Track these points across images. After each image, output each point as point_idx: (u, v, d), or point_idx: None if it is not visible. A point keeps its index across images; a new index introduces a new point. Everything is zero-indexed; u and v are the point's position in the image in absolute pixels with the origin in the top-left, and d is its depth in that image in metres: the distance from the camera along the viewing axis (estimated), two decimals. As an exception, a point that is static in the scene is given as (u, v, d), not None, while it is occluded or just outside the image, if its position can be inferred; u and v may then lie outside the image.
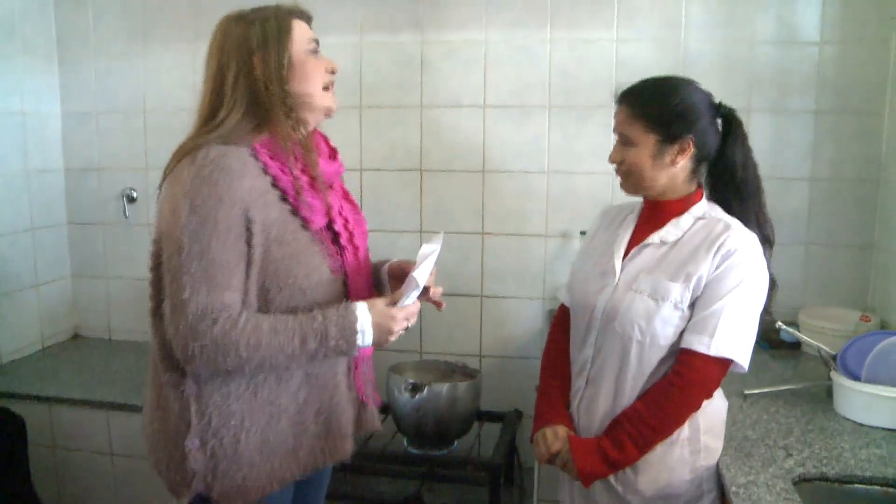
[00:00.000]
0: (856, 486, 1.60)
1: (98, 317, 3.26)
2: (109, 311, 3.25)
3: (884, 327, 2.41)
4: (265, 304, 1.46)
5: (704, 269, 1.55)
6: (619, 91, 1.67)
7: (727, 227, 1.59)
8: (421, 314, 2.87)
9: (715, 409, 1.66)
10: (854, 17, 2.56)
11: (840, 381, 1.94)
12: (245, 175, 1.41)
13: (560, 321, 1.88)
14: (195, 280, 1.36)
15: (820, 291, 2.69)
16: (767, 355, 2.49)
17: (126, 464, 2.62)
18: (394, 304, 1.54)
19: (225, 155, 1.40)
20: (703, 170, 1.68)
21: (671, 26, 2.66)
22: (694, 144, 1.59)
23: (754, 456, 1.68)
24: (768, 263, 1.61)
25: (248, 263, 1.42)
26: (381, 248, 1.84)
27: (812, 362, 2.40)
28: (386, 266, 1.78)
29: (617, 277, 1.66)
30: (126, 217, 3.12)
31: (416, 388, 2.43)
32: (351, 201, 1.71)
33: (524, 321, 2.91)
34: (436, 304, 1.74)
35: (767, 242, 1.63)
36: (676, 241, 1.63)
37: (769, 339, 2.54)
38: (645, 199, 1.72)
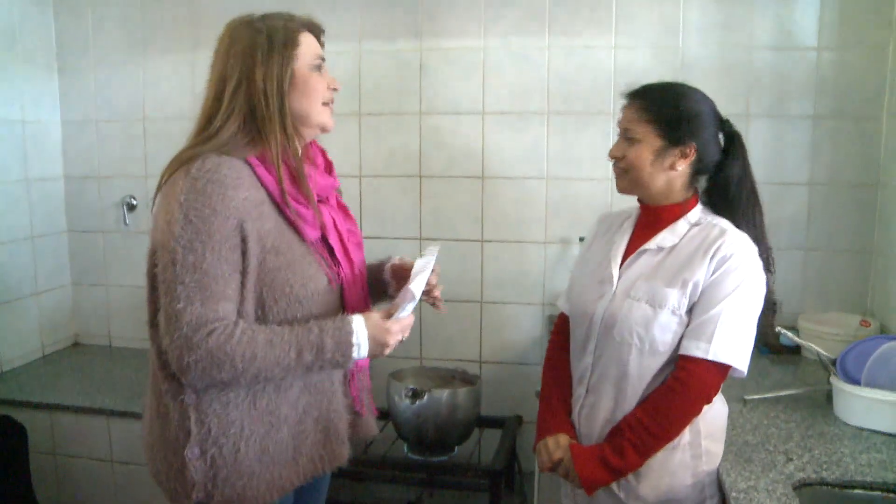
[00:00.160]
0: (856, 490, 1.60)
1: (98, 324, 3.27)
2: (109, 319, 3.25)
3: (883, 332, 2.41)
4: (262, 315, 1.46)
5: (701, 275, 1.56)
6: (629, 89, 1.68)
7: (722, 231, 1.59)
8: (421, 321, 2.92)
9: (715, 413, 1.66)
10: (852, 23, 2.57)
11: (840, 385, 1.94)
12: (240, 186, 1.41)
13: (560, 329, 1.88)
14: (190, 291, 1.35)
15: (819, 296, 2.69)
16: (767, 360, 2.49)
17: (126, 471, 2.62)
18: (389, 316, 1.54)
19: (220, 166, 1.40)
20: (701, 181, 1.69)
21: (669, 32, 2.67)
22: (696, 152, 1.60)
23: (755, 461, 1.68)
24: (769, 286, 1.61)
25: (244, 274, 1.41)
26: (380, 255, 1.84)
27: (812, 367, 2.40)
28: (388, 266, 1.78)
29: (615, 285, 1.66)
30: (126, 225, 3.13)
31: (416, 395, 2.43)
32: (346, 212, 1.71)
33: (524, 327, 2.92)
34: (436, 305, 1.73)
35: (765, 263, 1.62)
36: (673, 248, 1.63)
37: (769, 344, 2.54)
38: (641, 205, 1.73)
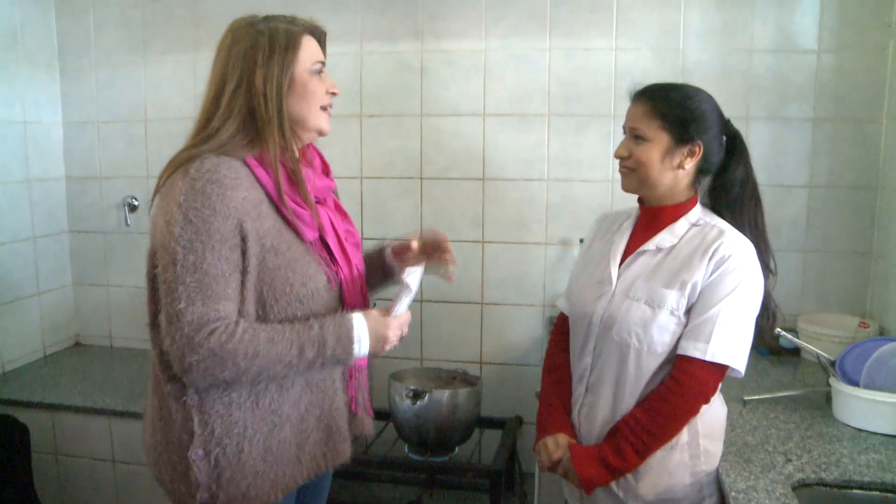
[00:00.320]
0: (854, 491, 1.61)
1: (99, 325, 3.27)
2: (110, 319, 3.26)
3: (882, 333, 2.42)
4: (263, 315, 1.46)
5: (699, 276, 1.57)
6: (636, 88, 1.68)
7: (721, 232, 1.60)
8: (421, 322, 2.93)
9: (714, 413, 1.66)
10: (851, 26, 2.58)
11: (839, 386, 1.95)
12: (238, 186, 1.41)
13: (560, 329, 1.89)
14: (190, 291, 1.36)
15: (818, 298, 2.70)
16: (767, 361, 2.50)
17: (128, 470, 2.62)
18: (388, 314, 1.56)
19: (218, 166, 1.40)
20: (703, 182, 1.70)
21: (670, 35, 2.68)
22: (702, 151, 1.61)
23: (754, 461, 1.69)
24: (769, 292, 1.62)
25: (244, 273, 1.42)
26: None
27: (811, 368, 2.41)
28: (388, 251, 1.80)
29: (614, 285, 1.67)
30: (127, 225, 3.13)
31: (417, 395, 2.44)
32: (343, 214, 1.72)
33: (524, 328, 2.92)
34: (446, 269, 1.78)
35: (767, 268, 1.63)
36: (672, 248, 1.64)
37: (768, 346, 2.55)
38: (641, 205, 1.74)
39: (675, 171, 1.63)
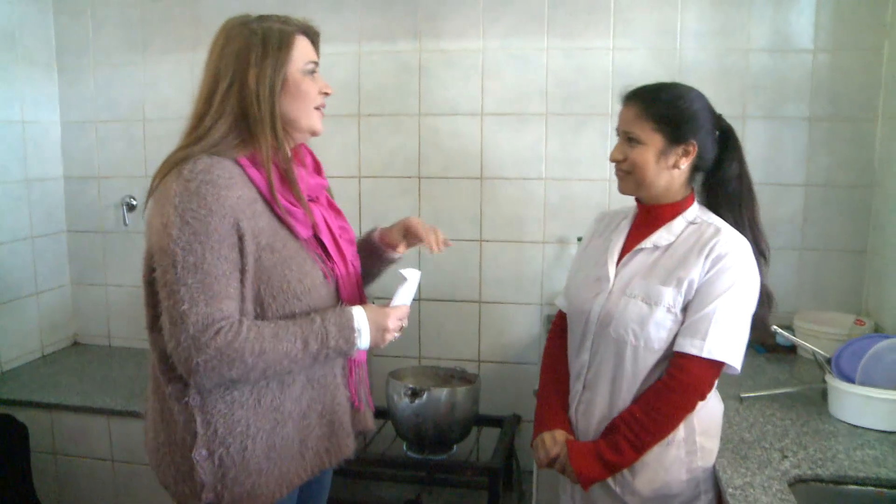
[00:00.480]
0: (850, 486, 1.62)
1: (98, 324, 3.28)
2: (109, 319, 3.26)
3: (877, 331, 2.43)
4: (261, 313, 1.47)
5: (696, 273, 1.58)
6: (627, 91, 1.69)
7: (717, 230, 1.61)
8: (420, 321, 2.93)
9: (710, 410, 1.68)
10: (847, 25, 2.59)
11: (835, 383, 1.96)
12: (232, 186, 1.42)
13: (558, 327, 1.90)
14: (193, 292, 1.36)
15: (815, 296, 2.71)
16: (763, 359, 2.51)
17: (127, 470, 2.63)
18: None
19: (211, 167, 1.40)
20: (698, 178, 1.71)
21: (667, 35, 2.69)
22: (696, 149, 1.62)
23: (750, 458, 1.70)
24: (763, 277, 1.64)
25: (243, 272, 1.42)
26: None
27: (807, 365, 2.42)
28: (376, 233, 1.82)
29: (611, 283, 1.68)
30: (126, 225, 3.14)
31: (415, 394, 2.45)
32: (337, 211, 1.72)
33: (522, 327, 2.93)
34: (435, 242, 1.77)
35: (762, 257, 1.65)
36: (669, 246, 1.65)
37: (765, 343, 2.56)
38: (638, 204, 1.75)
39: (671, 171, 1.64)
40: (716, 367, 1.57)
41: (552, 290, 2.86)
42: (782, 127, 2.67)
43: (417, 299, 2.91)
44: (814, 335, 2.37)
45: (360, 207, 2.96)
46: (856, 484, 1.62)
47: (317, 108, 1.58)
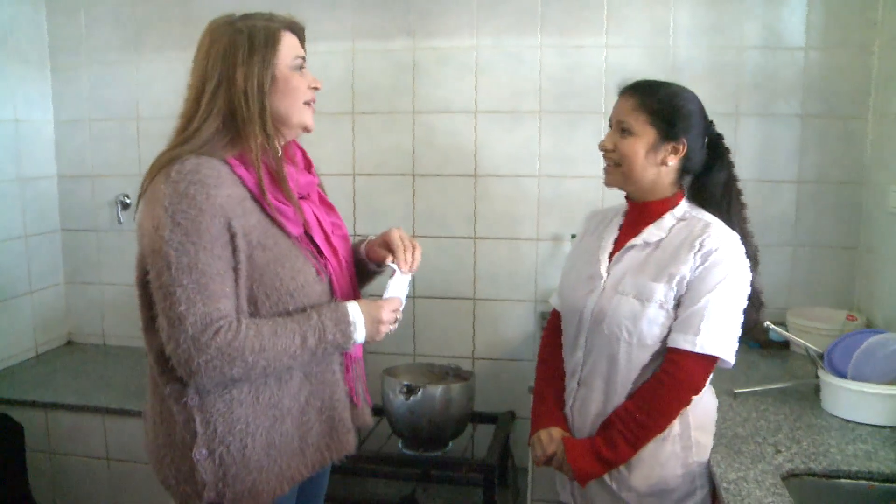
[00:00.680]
0: (842, 480, 1.64)
1: (92, 323, 3.27)
2: (103, 317, 3.26)
3: (869, 326, 2.45)
4: (255, 311, 1.47)
5: (686, 269, 1.59)
6: (625, 83, 1.71)
7: (707, 225, 1.63)
8: (414, 318, 2.93)
9: (705, 405, 1.69)
10: (838, 23, 2.61)
11: (827, 378, 1.97)
12: (221, 185, 1.41)
13: (552, 325, 1.91)
14: (189, 293, 1.36)
15: (807, 292, 2.73)
16: (756, 354, 2.52)
17: (122, 468, 2.63)
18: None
19: (199, 166, 1.40)
20: (687, 181, 1.72)
21: (660, 33, 2.70)
22: (686, 149, 1.63)
23: (744, 452, 1.72)
24: (754, 281, 1.65)
25: (236, 271, 1.42)
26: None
27: (800, 361, 2.44)
28: (363, 248, 1.77)
29: (603, 280, 1.69)
30: (120, 223, 3.14)
31: (410, 391, 2.45)
32: (329, 206, 1.72)
33: (516, 324, 2.94)
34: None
35: (752, 259, 1.66)
36: (659, 242, 1.66)
37: (758, 339, 2.58)
38: (629, 201, 1.76)
39: (659, 168, 1.65)
40: (709, 361, 1.58)
41: (546, 287, 2.87)
42: (774, 124, 2.68)
43: (412, 297, 2.92)
44: (806, 331, 2.38)
45: (354, 205, 2.96)
46: (848, 478, 1.64)
47: (307, 104, 1.57)
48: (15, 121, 2.96)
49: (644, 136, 1.63)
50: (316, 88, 1.59)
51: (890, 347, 1.95)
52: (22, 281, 3.03)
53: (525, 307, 2.92)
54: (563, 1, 2.74)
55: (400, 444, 2.60)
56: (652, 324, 1.60)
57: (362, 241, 1.79)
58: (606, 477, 1.67)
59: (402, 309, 1.64)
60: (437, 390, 2.47)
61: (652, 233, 1.68)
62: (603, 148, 1.69)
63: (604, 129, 2.68)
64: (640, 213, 1.72)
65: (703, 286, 1.57)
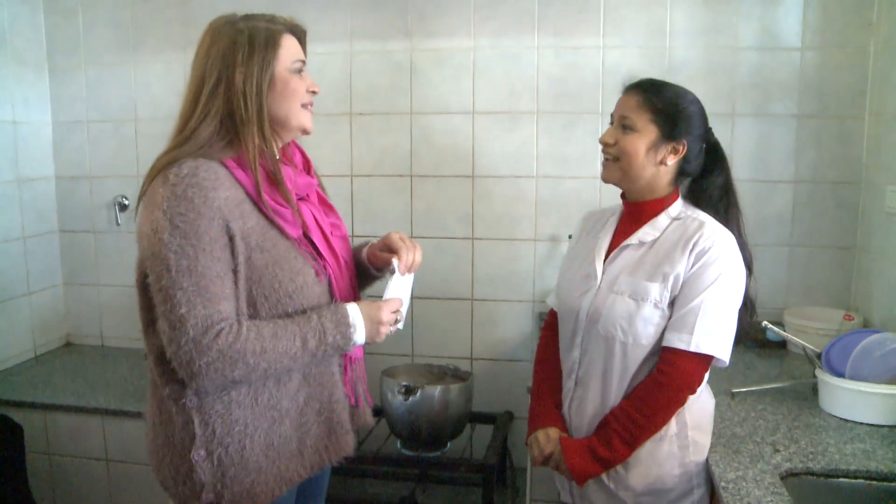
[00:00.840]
0: (840, 479, 1.65)
1: (90, 324, 3.27)
2: (101, 319, 3.25)
3: (866, 326, 2.46)
4: (254, 313, 1.47)
5: (681, 268, 1.60)
6: (630, 81, 1.71)
7: (701, 224, 1.63)
8: (413, 319, 2.93)
9: (702, 405, 1.70)
10: (834, 24, 2.61)
11: (825, 378, 1.98)
12: (219, 187, 1.41)
13: (550, 325, 1.92)
14: (189, 295, 1.36)
15: (804, 291, 2.74)
16: (754, 354, 2.53)
17: (121, 469, 2.63)
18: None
19: (196, 169, 1.40)
20: (683, 184, 1.73)
21: (657, 33, 2.70)
22: (685, 150, 1.64)
23: (743, 452, 1.72)
24: (748, 287, 1.66)
25: (235, 272, 1.42)
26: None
27: (797, 361, 2.45)
28: (364, 253, 1.77)
29: (599, 280, 1.70)
30: (118, 224, 3.14)
31: (409, 391, 2.46)
32: (329, 207, 1.72)
33: (514, 324, 2.95)
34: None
35: (746, 265, 1.66)
36: (654, 242, 1.67)
37: (755, 339, 2.58)
38: (624, 201, 1.77)
39: (657, 167, 1.66)
40: (704, 360, 1.59)
41: (544, 288, 2.88)
42: (771, 124, 2.69)
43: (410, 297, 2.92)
44: (803, 331, 2.39)
45: (352, 206, 2.96)
46: (846, 477, 1.65)
47: (304, 107, 1.57)
48: (13, 122, 2.96)
49: (646, 133, 1.63)
50: (314, 93, 1.59)
51: (887, 347, 1.95)
52: (20, 282, 3.02)
53: (523, 307, 2.93)
54: (560, 2, 2.74)
55: (399, 445, 2.61)
56: (647, 323, 1.61)
57: (364, 245, 1.80)
58: (604, 476, 1.68)
59: (403, 310, 1.64)
60: (436, 391, 2.48)
61: (647, 232, 1.68)
62: (603, 142, 1.70)
63: (601, 129, 2.72)
64: (636, 212, 1.73)
65: (697, 285, 1.58)
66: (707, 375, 1.66)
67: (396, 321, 1.62)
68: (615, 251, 1.71)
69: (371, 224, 2.95)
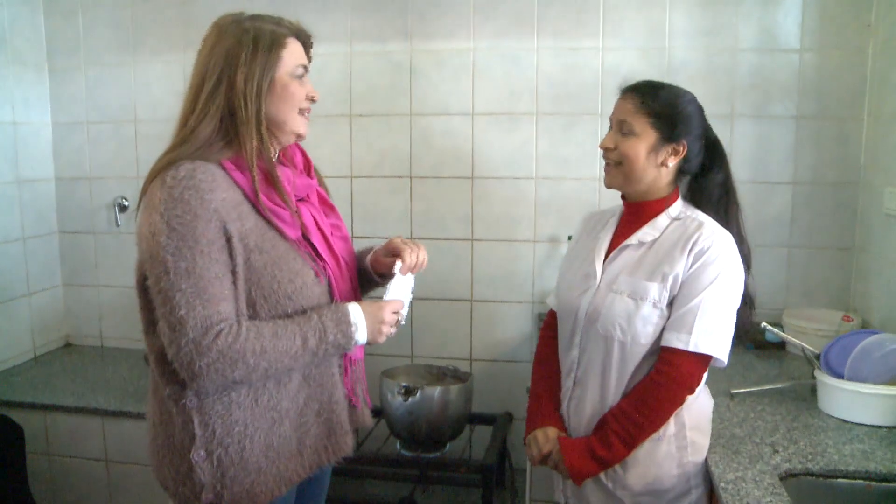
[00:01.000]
0: (839, 480, 1.65)
1: (90, 325, 3.27)
2: (101, 319, 3.26)
3: (865, 327, 2.46)
4: (254, 315, 1.47)
5: (680, 268, 1.60)
6: (627, 84, 1.71)
7: (700, 224, 1.64)
8: (412, 320, 2.94)
9: (700, 405, 1.70)
10: (832, 26, 2.62)
11: (824, 379, 1.98)
12: (215, 189, 1.41)
13: (549, 326, 1.92)
14: (188, 297, 1.36)
15: (803, 292, 2.74)
16: (753, 355, 2.53)
17: (121, 470, 2.63)
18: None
19: (193, 171, 1.40)
20: (683, 182, 1.74)
21: (656, 35, 2.71)
22: (685, 151, 1.64)
23: (742, 453, 1.73)
24: (747, 282, 1.66)
25: (234, 274, 1.43)
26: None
27: (796, 362, 2.45)
28: (368, 260, 1.77)
29: (598, 279, 1.70)
30: (117, 226, 3.14)
31: (408, 392, 2.46)
32: (329, 207, 1.72)
33: (513, 325, 2.95)
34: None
35: (745, 261, 1.67)
36: (654, 242, 1.67)
37: (754, 340, 2.59)
38: (625, 202, 1.77)
39: (659, 169, 1.66)
40: (703, 360, 1.59)
41: (543, 289, 2.88)
42: (770, 126, 2.70)
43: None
44: (802, 331, 2.40)
45: (351, 207, 2.97)
46: (845, 477, 1.65)
47: (301, 112, 1.57)
48: (13, 123, 2.96)
49: (645, 136, 1.64)
50: (313, 100, 1.59)
51: (886, 348, 1.96)
52: (20, 283, 3.03)
53: (522, 308, 2.93)
54: (559, 3, 2.75)
55: (398, 446, 2.61)
56: (646, 323, 1.61)
57: (367, 250, 1.80)
58: (602, 476, 1.68)
59: (404, 312, 1.64)
60: (435, 392, 2.48)
61: (647, 232, 1.69)
62: (604, 148, 1.70)
63: (600, 130, 2.73)
64: (636, 213, 1.73)
65: (696, 285, 1.58)
66: (706, 376, 1.66)
67: (398, 321, 1.62)
68: (615, 251, 1.72)
69: (371, 225, 2.95)
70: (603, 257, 1.73)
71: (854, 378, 1.94)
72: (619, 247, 1.71)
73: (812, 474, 1.66)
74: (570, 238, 2.72)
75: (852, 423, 1.91)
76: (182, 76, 2.98)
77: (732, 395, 2.12)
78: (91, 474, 2.66)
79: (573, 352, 1.74)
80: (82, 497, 2.68)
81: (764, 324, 2.14)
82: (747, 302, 1.68)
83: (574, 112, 2.79)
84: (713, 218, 1.68)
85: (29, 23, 3.05)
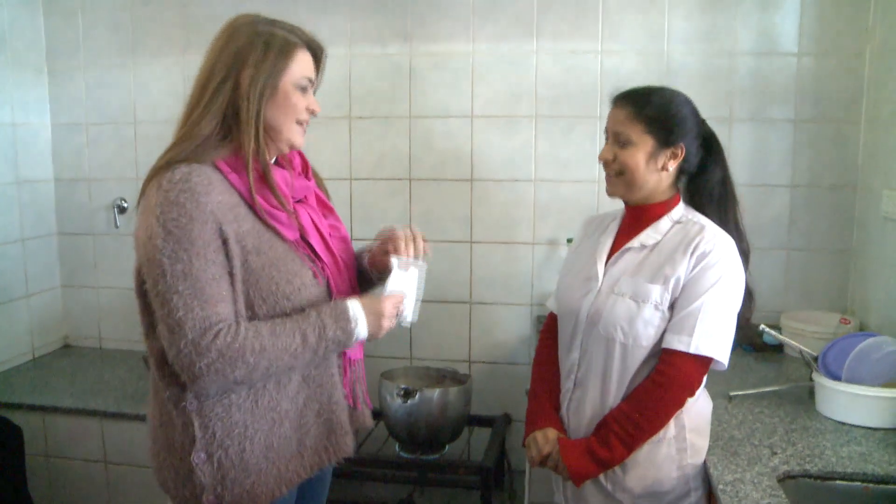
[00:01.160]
0: (837, 482, 1.65)
1: (88, 326, 3.27)
2: (100, 321, 3.26)
3: (863, 329, 2.47)
4: (252, 316, 1.47)
5: (682, 271, 1.60)
6: (617, 93, 1.71)
7: (702, 228, 1.64)
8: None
9: (700, 408, 1.70)
10: (830, 30, 2.63)
11: (821, 381, 1.99)
12: (211, 191, 1.41)
13: (549, 328, 1.92)
14: (186, 298, 1.36)
15: (801, 295, 2.75)
16: (751, 358, 2.54)
17: (119, 471, 2.63)
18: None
19: (189, 174, 1.40)
20: (683, 180, 1.74)
21: (655, 38, 2.72)
22: (684, 152, 1.65)
23: (740, 455, 1.73)
24: (746, 279, 1.66)
25: (231, 275, 1.43)
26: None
27: (794, 364, 2.45)
28: (366, 260, 1.77)
29: (600, 282, 1.71)
30: (117, 227, 3.14)
31: (407, 394, 2.46)
32: (327, 208, 1.72)
33: (512, 327, 2.95)
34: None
35: (744, 256, 1.67)
36: (656, 245, 1.68)
37: (752, 342, 2.59)
38: (626, 205, 1.77)
39: (659, 174, 1.66)
40: (703, 362, 1.60)
41: (542, 291, 2.88)
42: (768, 129, 2.70)
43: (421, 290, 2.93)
44: (800, 334, 2.40)
45: (351, 209, 2.97)
46: (843, 479, 1.65)
47: (299, 123, 1.57)
48: (12, 124, 2.97)
49: (642, 145, 1.64)
50: (313, 113, 1.59)
51: (883, 350, 1.96)
52: (18, 284, 3.03)
53: (521, 311, 2.94)
54: (558, 7, 2.76)
55: (397, 448, 2.61)
56: (647, 325, 1.62)
57: (363, 251, 1.80)
58: (602, 477, 1.68)
59: (412, 304, 1.63)
60: (434, 394, 2.48)
61: (649, 235, 1.69)
62: (603, 160, 1.70)
63: (599, 133, 2.73)
64: (638, 216, 1.73)
65: (697, 288, 1.59)
66: (705, 379, 1.67)
67: (399, 314, 1.61)
68: (617, 254, 1.72)
69: (370, 227, 2.93)
70: (605, 260, 1.74)
71: (852, 380, 1.94)
72: (620, 250, 1.72)
73: (810, 476, 1.66)
74: (569, 240, 2.74)
75: (850, 425, 1.91)
76: (181, 78, 2.99)
77: (731, 398, 2.12)
78: (90, 476, 2.66)
79: (574, 354, 1.74)
80: (81, 498, 2.68)
81: (762, 326, 2.15)
82: (747, 301, 1.68)
83: (573, 115, 2.80)
84: (713, 215, 1.69)
85: (29, 24, 3.05)
